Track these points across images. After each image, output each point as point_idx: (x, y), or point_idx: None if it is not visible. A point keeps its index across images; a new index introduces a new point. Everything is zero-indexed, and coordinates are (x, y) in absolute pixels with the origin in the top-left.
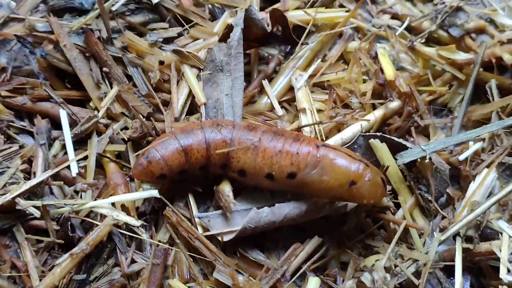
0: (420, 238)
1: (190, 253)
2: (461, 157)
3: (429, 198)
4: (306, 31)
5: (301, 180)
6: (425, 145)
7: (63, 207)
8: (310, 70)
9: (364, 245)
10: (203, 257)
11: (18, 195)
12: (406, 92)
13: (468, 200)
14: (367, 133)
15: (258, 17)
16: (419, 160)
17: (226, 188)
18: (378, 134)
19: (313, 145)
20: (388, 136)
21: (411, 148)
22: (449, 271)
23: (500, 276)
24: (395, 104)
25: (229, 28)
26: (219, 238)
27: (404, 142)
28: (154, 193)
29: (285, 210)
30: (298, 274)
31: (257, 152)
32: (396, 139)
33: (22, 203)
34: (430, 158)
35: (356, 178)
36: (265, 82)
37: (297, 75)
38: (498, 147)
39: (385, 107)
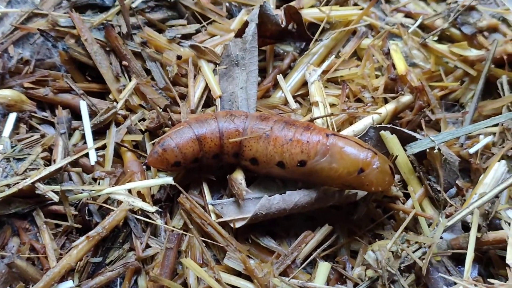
0: (429, 227)
1: (203, 239)
2: (472, 150)
3: (438, 188)
4: (320, 28)
5: (311, 168)
6: (434, 136)
7: (81, 192)
8: (324, 66)
9: (374, 234)
10: (215, 243)
11: (38, 180)
12: (418, 87)
13: (476, 191)
14: (378, 125)
15: (272, 13)
16: (428, 151)
17: (239, 177)
18: (388, 126)
19: (323, 134)
20: (398, 128)
21: (420, 139)
22: (457, 260)
23: (507, 261)
24: (406, 98)
25: (245, 24)
26: (231, 225)
27: (414, 134)
28: (169, 180)
29: (295, 197)
30: (308, 260)
31: (269, 140)
32: (406, 130)
33: (42, 188)
34: (439, 149)
35: (364, 165)
36: (279, 77)
37: (311, 70)
38: (508, 141)
39: (396, 101)
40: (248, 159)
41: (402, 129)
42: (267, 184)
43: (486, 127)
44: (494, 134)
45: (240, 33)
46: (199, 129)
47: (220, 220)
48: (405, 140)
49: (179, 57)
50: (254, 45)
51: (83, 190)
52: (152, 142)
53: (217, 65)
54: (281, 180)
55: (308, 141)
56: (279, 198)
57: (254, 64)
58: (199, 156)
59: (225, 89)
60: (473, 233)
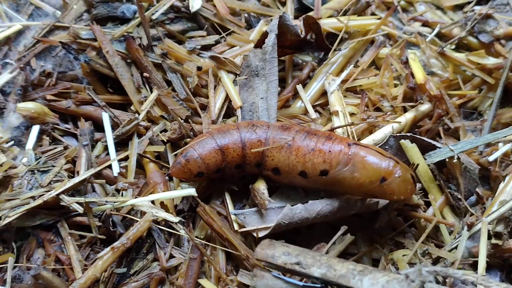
0: (450, 235)
1: (226, 249)
2: (491, 158)
3: (459, 196)
4: (339, 38)
5: (333, 177)
6: (453, 145)
7: (105, 204)
8: (343, 75)
9: (395, 242)
10: (236, 252)
11: (62, 192)
12: (436, 95)
13: (496, 199)
14: (398, 134)
15: (292, 24)
16: (447, 160)
17: (261, 186)
18: (408, 134)
19: (344, 143)
20: (418, 136)
21: (440, 148)
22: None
23: None
24: (425, 106)
25: (264, 35)
26: (254, 234)
27: (434, 142)
28: (192, 191)
29: (318, 207)
30: None
31: (291, 150)
32: (426, 139)
33: (66, 200)
34: (458, 158)
35: (386, 174)
36: (299, 87)
37: (330, 80)
38: None
39: (416, 110)
40: (270, 169)
41: (422, 137)
42: (290, 194)
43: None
44: None
45: (259, 44)
46: (222, 140)
47: (243, 230)
48: (425, 149)
49: (199, 68)
50: (274, 55)
51: (106, 201)
52: (175, 153)
53: (237, 76)
54: (303, 190)
55: (330, 151)
56: (301, 207)
57: (274, 75)
58: (222, 166)
59: (245, 100)
60: (483, 242)
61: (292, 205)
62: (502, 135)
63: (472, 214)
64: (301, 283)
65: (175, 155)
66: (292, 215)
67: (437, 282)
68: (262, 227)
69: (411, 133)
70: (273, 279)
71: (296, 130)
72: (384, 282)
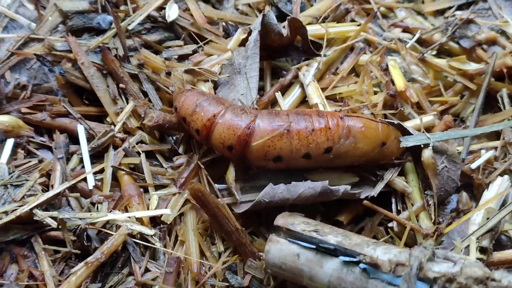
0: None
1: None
2: (474, 166)
3: (430, 201)
4: (324, 43)
5: (336, 152)
6: (431, 134)
7: (78, 220)
8: (314, 67)
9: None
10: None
11: (36, 206)
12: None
13: (481, 207)
14: (387, 120)
15: (275, 22)
16: (424, 159)
17: (230, 178)
18: (395, 122)
19: (337, 117)
20: (404, 125)
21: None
22: None
23: None
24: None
25: (249, 33)
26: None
27: (418, 133)
28: (167, 211)
29: (300, 189)
30: None
31: (292, 135)
32: (411, 129)
33: (40, 214)
34: (433, 158)
35: (385, 138)
36: (278, 94)
37: (304, 71)
38: (510, 155)
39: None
40: (271, 158)
41: (408, 127)
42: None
43: (487, 139)
44: (496, 148)
45: (243, 43)
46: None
47: (225, 202)
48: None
49: (168, 73)
50: (255, 51)
51: (80, 218)
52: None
53: (216, 83)
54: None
55: (330, 128)
56: (283, 187)
57: (255, 70)
58: None
59: (226, 97)
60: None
61: (274, 184)
62: (481, 131)
63: (439, 223)
64: (314, 246)
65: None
66: (274, 194)
67: None
68: (242, 201)
69: (399, 121)
70: (288, 243)
71: (286, 114)
72: (397, 252)
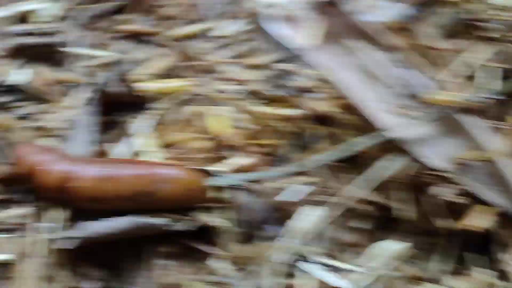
0: None
1: None
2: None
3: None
4: (153, 98)
5: (148, 198)
6: (240, 175)
7: None
8: (146, 119)
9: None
10: None
11: None
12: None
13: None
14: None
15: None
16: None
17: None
18: (208, 168)
19: (150, 164)
20: (215, 170)
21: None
22: None
23: None
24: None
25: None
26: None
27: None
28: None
29: (121, 224)
30: None
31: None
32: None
33: None
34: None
35: (196, 184)
36: (110, 145)
37: (136, 122)
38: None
39: None
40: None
41: (220, 170)
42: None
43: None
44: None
45: (85, 101)
46: None
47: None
48: None
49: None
50: (96, 108)
51: None
52: None
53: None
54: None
55: (144, 174)
56: (105, 223)
57: (95, 125)
58: None
59: (68, 150)
60: None
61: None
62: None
63: None
64: None
65: None
66: (96, 230)
67: None
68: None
69: (211, 167)
70: None
71: (107, 161)
72: None
